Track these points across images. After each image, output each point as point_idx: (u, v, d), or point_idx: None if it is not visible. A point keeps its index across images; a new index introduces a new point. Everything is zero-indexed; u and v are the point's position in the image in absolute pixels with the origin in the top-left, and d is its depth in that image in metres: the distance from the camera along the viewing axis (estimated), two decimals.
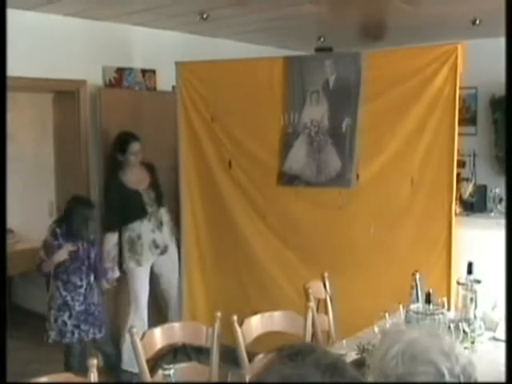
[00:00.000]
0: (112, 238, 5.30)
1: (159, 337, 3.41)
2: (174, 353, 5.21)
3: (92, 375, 2.91)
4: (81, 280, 4.81)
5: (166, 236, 5.53)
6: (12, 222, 7.41)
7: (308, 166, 5.04)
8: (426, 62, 4.46)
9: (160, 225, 5.48)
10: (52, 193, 6.08)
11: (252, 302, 5.26)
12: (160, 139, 5.85)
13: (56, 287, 4.80)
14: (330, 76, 4.90)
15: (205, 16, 5.33)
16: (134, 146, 5.35)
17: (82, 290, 4.81)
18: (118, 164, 5.37)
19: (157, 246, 5.45)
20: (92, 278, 4.90)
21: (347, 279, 4.72)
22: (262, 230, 5.32)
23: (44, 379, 2.85)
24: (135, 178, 5.41)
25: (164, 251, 5.51)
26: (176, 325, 3.57)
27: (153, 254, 5.44)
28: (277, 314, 3.76)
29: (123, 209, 5.31)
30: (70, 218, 4.75)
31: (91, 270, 4.89)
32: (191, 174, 5.60)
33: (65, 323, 4.76)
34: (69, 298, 4.77)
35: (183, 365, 3.56)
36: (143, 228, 5.37)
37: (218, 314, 3.53)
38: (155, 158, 5.81)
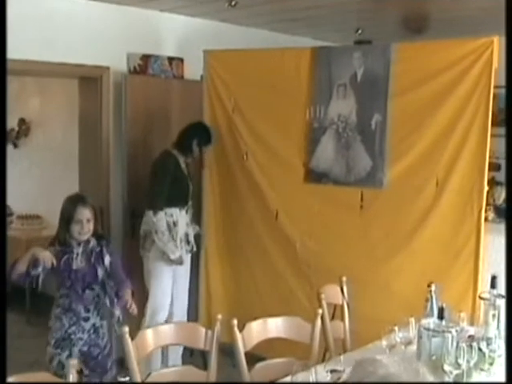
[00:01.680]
0: (164, 218, 4.91)
1: (153, 338, 3.22)
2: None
3: (71, 376, 2.76)
4: (86, 310, 3.77)
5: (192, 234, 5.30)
6: (40, 208, 7.43)
7: (337, 164, 4.82)
8: (459, 56, 4.19)
9: (190, 221, 5.24)
10: (77, 181, 5.95)
11: (265, 304, 5.08)
12: None
13: (56, 316, 3.79)
14: (358, 69, 4.67)
15: (233, 3, 5.12)
16: (209, 146, 5.17)
17: (88, 325, 3.78)
18: (179, 145, 5.06)
19: (188, 242, 5.14)
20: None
21: (362, 286, 4.45)
22: (273, 228, 5.12)
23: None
24: (185, 165, 5.14)
25: (192, 250, 5.21)
26: (173, 326, 3.38)
27: (182, 248, 5.07)
28: (281, 319, 3.52)
29: (171, 189, 4.94)
30: (62, 222, 3.79)
31: (104, 298, 3.82)
32: (213, 168, 5.44)
33: (61, 365, 3.65)
34: (71, 331, 3.75)
35: (178, 368, 3.40)
36: (181, 217, 5.06)
37: (219, 316, 3.35)
38: None
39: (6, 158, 3.31)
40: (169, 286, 5.09)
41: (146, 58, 5.51)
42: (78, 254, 3.77)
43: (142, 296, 4.93)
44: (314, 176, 4.91)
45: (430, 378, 1.63)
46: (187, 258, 5.21)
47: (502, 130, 6.15)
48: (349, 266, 4.58)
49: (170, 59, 5.68)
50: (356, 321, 4.06)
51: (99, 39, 5.26)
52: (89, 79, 5.41)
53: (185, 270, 5.22)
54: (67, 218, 3.76)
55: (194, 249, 5.24)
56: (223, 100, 5.28)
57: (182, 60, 5.76)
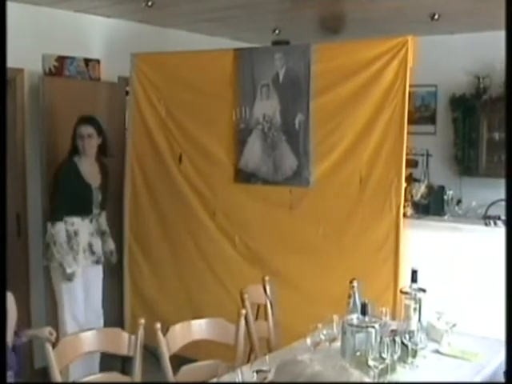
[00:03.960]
0: (63, 229, 4.81)
1: (75, 345, 3.15)
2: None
3: None
4: None
5: (105, 245, 5.16)
6: None
7: (264, 164, 4.87)
8: (376, 55, 4.26)
9: (99, 231, 5.09)
10: None
11: (196, 304, 5.08)
12: (105, 132, 5.62)
13: None
14: (280, 69, 4.71)
15: (150, 3, 5.04)
16: (84, 130, 4.94)
17: None
18: (74, 149, 4.96)
19: (93, 252, 4.99)
20: None
21: (293, 283, 4.58)
22: (210, 228, 5.12)
23: None
24: (90, 170, 5.02)
25: (99, 261, 5.06)
26: (95, 332, 3.29)
27: (86, 258, 4.94)
28: (205, 321, 3.51)
29: (70, 197, 4.85)
30: None
31: None
32: (138, 169, 5.41)
33: None
34: None
35: (102, 375, 3.32)
36: (82, 227, 4.93)
37: (142, 320, 3.29)
38: None
39: (6, 157, 3.26)
40: (75, 296, 4.95)
41: (61, 59, 5.37)
42: None
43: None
44: (244, 176, 4.95)
45: (356, 373, 1.63)
46: (94, 269, 5.08)
47: (419, 128, 6.36)
48: (283, 263, 4.69)
49: (87, 61, 5.56)
50: (288, 318, 4.11)
51: (13, 40, 5.05)
52: None
53: (96, 280, 5.11)
54: None
55: (102, 260, 5.10)
56: (153, 102, 5.26)
57: (98, 61, 5.64)
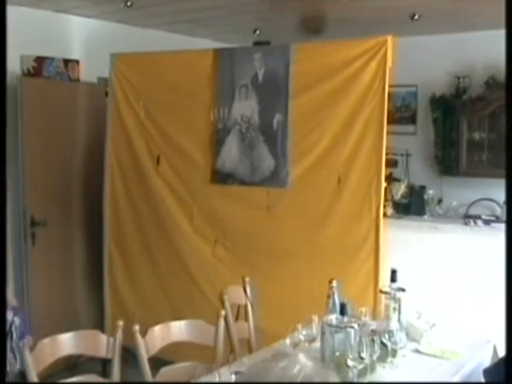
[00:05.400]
0: None
1: (52, 348, 3.11)
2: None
3: None
4: None
5: None
6: None
7: (241, 165, 4.83)
8: (355, 55, 4.24)
9: None
10: None
11: (174, 306, 5.06)
12: (84, 134, 5.61)
13: None
14: (259, 69, 4.69)
15: (129, 4, 5.03)
16: None
17: None
18: None
19: None
20: None
21: (272, 284, 4.53)
22: (187, 229, 5.08)
23: None
24: None
25: None
26: (72, 334, 3.24)
27: None
28: (185, 323, 3.48)
29: None
30: None
31: None
32: (117, 171, 5.36)
33: None
34: None
35: (80, 378, 3.29)
36: None
37: (120, 323, 3.26)
38: (79, 154, 5.61)
39: (5, 157, 3.24)
40: None
41: (40, 59, 5.33)
42: None
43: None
44: (220, 177, 4.91)
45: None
46: None
47: (400, 128, 6.39)
48: (261, 265, 4.65)
49: (66, 61, 5.52)
50: (268, 318, 4.11)
51: None
52: None
53: None
54: None
55: None
56: (132, 103, 5.21)
57: (77, 62, 5.60)
